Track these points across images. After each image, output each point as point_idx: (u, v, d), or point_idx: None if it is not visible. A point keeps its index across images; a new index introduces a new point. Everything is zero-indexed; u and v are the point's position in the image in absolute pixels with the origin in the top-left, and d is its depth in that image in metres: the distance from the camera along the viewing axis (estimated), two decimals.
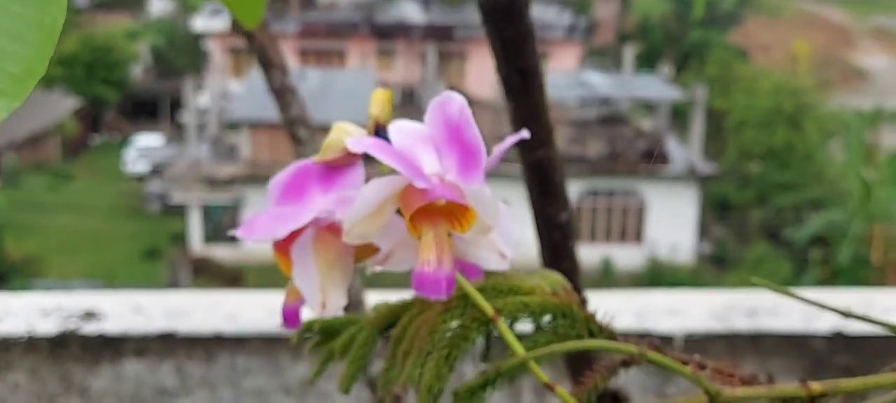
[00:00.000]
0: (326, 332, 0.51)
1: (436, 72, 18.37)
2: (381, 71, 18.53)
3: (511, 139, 0.46)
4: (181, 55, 22.37)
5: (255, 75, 16.57)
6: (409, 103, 18.82)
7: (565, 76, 17.50)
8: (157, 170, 17.84)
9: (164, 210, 16.70)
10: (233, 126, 16.25)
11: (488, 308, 0.46)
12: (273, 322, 1.39)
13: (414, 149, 0.43)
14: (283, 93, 1.19)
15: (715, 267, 15.65)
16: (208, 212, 15.33)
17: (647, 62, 21.13)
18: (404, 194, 0.43)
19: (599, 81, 17.02)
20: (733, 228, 17.04)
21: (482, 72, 18.59)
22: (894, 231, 14.38)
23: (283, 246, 0.44)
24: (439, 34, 19.20)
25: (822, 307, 0.50)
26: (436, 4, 20.96)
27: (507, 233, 0.47)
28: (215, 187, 15.12)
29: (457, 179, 0.42)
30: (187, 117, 16.30)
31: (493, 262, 0.47)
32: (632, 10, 24.64)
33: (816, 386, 0.45)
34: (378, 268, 0.48)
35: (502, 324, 0.46)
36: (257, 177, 15.06)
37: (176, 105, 20.47)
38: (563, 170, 0.81)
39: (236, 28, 1.22)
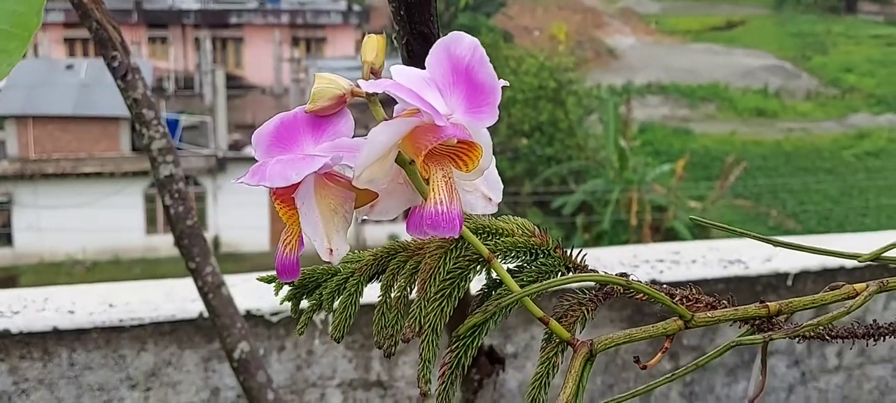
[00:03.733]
0: (302, 285, 0.50)
1: (212, 58, 17.77)
2: (155, 59, 17.72)
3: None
4: None
5: (20, 66, 15.18)
6: (186, 90, 18.07)
7: (344, 61, 17.58)
8: None
9: None
10: None
11: (484, 249, 0.46)
12: (112, 313, 1.30)
13: (421, 91, 0.42)
14: (124, 73, 1.12)
15: None
16: None
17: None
18: (413, 136, 0.43)
19: None
20: (507, 200, 17.89)
21: (260, 57, 18.22)
22: (647, 195, 15.72)
23: (285, 194, 0.43)
24: (214, 20, 18.69)
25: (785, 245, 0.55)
26: None
27: (492, 178, 0.48)
28: None
29: (464, 119, 0.43)
30: None
31: (479, 207, 0.48)
32: None
33: (773, 305, 0.50)
34: (365, 217, 0.47)
35: (497, 263, 0.47)
36: (27, 174, 13.96)
37: None
38: None
39: (75, 6, 1.12)
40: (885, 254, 0.53)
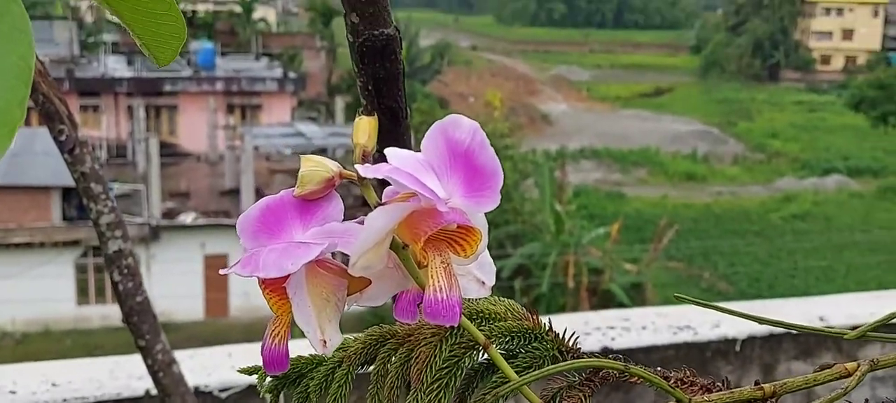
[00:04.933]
0: (284, 376, 0.47)
1: (145, 126, 17.52)
2: (87, 127, 17.42)
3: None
4: None
5: None
6: (118, 158, 17.76)
7: (281, 128, 17.53)
8: None
9: None
10: None
11: (480, 335, 0.45)
12: (55, 393, 1.24)
13: (419, 175, 0.41)
14: (72, 147, 1.09)
15: None
16: None
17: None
18: (410, 220, 0.41)
19: (313, 131, 17.26)
20: None
21: (194, 125, 18.02)
22: (583, 258, 15.89)
23: (275, 284, 0.41)
24: (147, 88, 18.51)
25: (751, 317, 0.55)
26: (141, 58, 20.18)
27: (485, 262, 0.47)
28: None
29: (462, 203, 0.41)
30: None
31: (473, 291, 0.46)
32: (339, 63, 25.18)
33: (769, 387, 0.50)
34: (354, 304, 0.45)
35: (494, 350, 0.45)
36: None
37: None
38: None
39: None
40: (869, 333, 0.53)
